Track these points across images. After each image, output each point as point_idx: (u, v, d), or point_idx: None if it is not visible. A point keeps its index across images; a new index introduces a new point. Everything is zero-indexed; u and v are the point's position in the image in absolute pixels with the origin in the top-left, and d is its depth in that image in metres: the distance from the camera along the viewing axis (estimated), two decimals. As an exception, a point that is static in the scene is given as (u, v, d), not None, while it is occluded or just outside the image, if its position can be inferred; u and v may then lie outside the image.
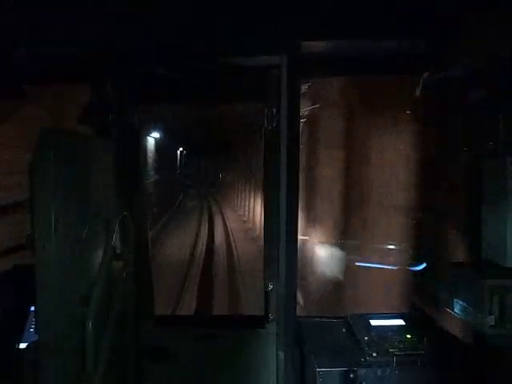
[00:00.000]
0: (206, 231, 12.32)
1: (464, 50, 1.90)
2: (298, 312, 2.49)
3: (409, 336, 2.41)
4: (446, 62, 2.07)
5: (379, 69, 2.54)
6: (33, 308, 2.48)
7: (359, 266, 4.08)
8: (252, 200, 12.63)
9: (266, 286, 2.49)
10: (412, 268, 3.64)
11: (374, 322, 2.53)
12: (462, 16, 1.86)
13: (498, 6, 1.66)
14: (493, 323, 1.89)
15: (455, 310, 2.08)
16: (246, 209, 13.65)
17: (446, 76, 2.28)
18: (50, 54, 2.33)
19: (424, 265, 3.56)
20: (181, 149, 18.66)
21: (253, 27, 2.18)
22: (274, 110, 2.37)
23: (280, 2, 2.08)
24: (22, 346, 2.41)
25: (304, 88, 3.55)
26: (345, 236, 4.09)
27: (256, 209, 11.59)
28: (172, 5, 2.08)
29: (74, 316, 1.76)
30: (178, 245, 10.12)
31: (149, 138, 11.69)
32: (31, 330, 2.47)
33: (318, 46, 2.26)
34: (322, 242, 4.30)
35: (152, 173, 12.05)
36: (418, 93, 3.31)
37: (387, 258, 3.70)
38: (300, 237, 2.43)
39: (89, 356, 1.75)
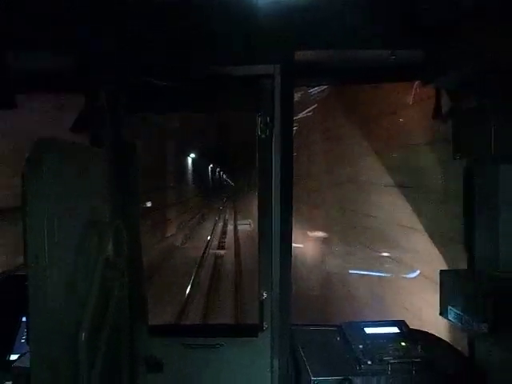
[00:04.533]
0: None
1: (461, 57, 1.91)
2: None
3: (403, 344, 2.40)
4: (442, 68, 2.08)
5: (373, 77, 2.56)
6: (24, 318, 2.45)
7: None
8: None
9: (261, 295, 2.48)
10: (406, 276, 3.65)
11: (368, 330, 2.53)
12: (460, 22, 1.87)
13: (499, 12, 1.67)
14: (486, 330, 1.89)
15: (450, 318, 2.08)
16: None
17: (439, 84, 2.29)
18: (44, 63, 2.33)
19: (418, 272, 3.57)
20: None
21: (246, 37, 2.19)
22: (268, 119, 2.38)
23: (273, 12, 2.09)
24: (13, 357, 2.37)
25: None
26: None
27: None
28: (167, 16, 2.10)
29: (67, 327, 1.74)
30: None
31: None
32: (22, 340, 2.44)
33: (311, 55, 2.28)
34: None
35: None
36: (410, 101, 3.34)
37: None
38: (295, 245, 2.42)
39: (83, 368, 1.72)
